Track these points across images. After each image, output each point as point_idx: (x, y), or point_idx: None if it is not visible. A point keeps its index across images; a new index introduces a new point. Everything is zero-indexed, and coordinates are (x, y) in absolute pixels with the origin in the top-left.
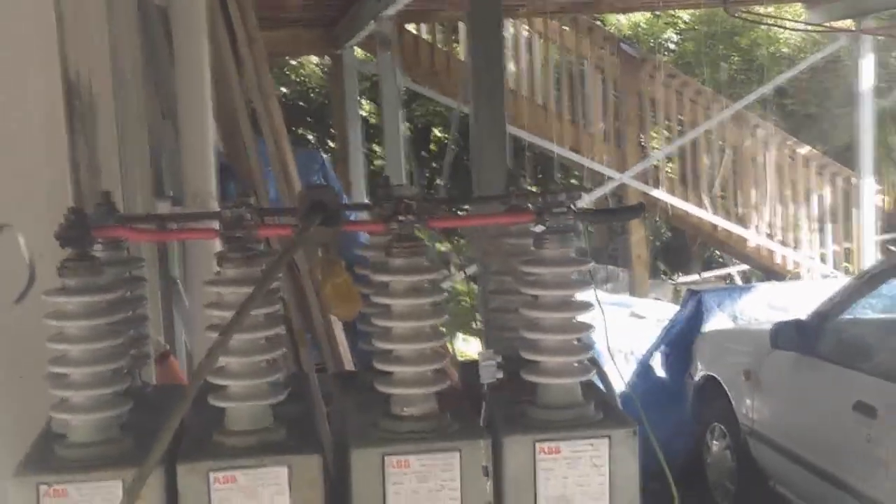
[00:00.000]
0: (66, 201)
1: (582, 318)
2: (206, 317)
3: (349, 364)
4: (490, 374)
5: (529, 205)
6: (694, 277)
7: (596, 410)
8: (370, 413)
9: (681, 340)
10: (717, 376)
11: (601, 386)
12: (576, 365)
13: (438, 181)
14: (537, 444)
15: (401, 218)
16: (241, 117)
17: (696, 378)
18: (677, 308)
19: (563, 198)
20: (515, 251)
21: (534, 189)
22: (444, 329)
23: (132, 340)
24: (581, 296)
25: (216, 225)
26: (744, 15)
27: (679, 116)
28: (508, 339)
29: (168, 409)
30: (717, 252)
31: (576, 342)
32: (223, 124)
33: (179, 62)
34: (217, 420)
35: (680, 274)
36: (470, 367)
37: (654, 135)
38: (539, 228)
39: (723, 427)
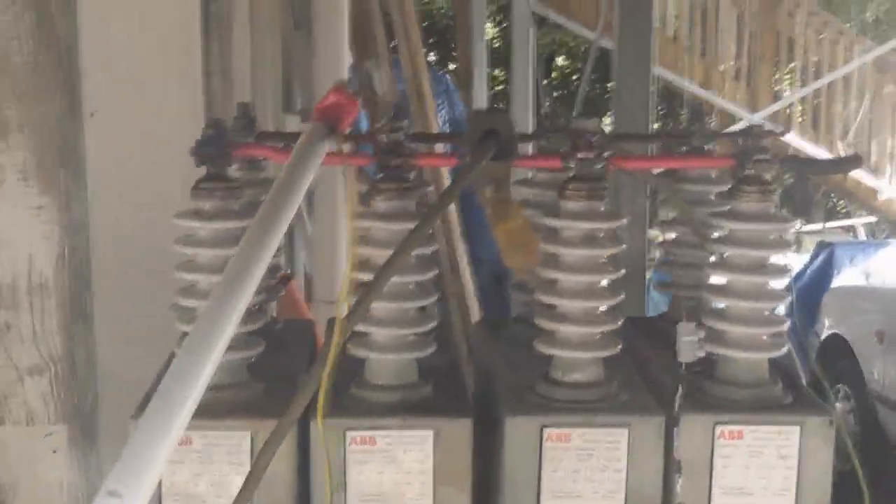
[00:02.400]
0: (198, 112)
1: (777, 285)
2: (335, 266)
3: (475, 315)
4: (691, 351)
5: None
6: (818, 226)
7: (785, 392)
8: (525, 374)
9: (807, 294)
10: (845, 335)
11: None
12: (766, 338)
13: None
14: (717, 427)
15: (581, 155)
16: (377, 31)
17: (823, 336)
18: (799, 257)
19: (764, 142)
20: (694, 198)
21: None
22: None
23: (267, 271)
24: (778, 259)
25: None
26: None
27: (816, 58)
28: (683, 299)
29: (300, 353)
30: (842, 202)
31: (768, 312)
32: (356, 37)
33: None
34: (354, 369)
35: (802, 222)
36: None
37: (788, 76)
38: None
39: (848, 389)
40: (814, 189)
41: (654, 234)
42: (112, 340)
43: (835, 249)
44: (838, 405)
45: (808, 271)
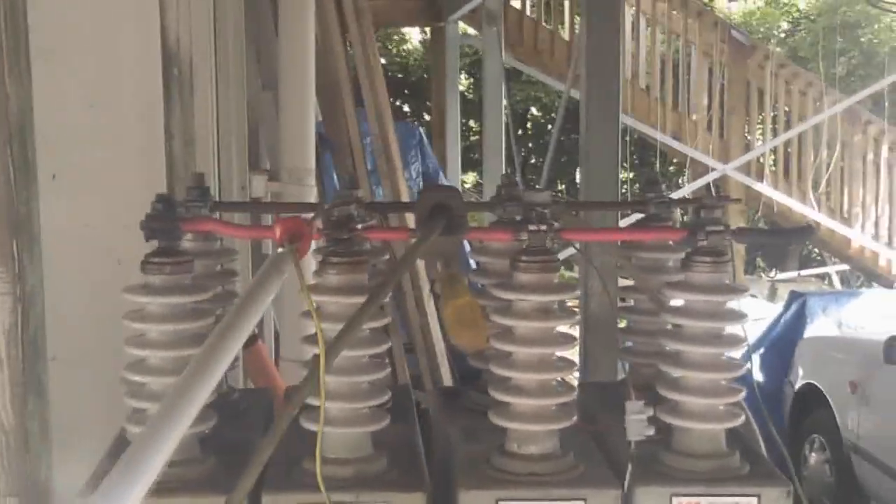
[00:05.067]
0: (160, 177)
1: (733, 354)
2: (302, 326)
3: (447, 379)
4: (639, 429)
5: (677, 221)
6: (792, 275)
7: (742, 462)
8: (480, 445)
9: (781, 344)
10: (819, 385)
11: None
12: (723, 409)
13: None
14: (674, 499)
15: (532, 227)
16: (344, 90)
17: (797, 385)
18: (773, 306)
19: (718, 213)
20: (651, 266)
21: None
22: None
23: None
24: (733, 329)
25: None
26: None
27: (786, 108)
28: (641, 365)
29: (255, 424)
30: (816, 250)
31: (724, 382)
32: (324, 96)
33: (284, 32)
34: (308, 442)
35: (777, 271)
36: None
37: (760, 126)
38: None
39: (823, 439)
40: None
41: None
42: (67, 411)
43: (807, 299)
44: (813, 455)
45: (782, 321)
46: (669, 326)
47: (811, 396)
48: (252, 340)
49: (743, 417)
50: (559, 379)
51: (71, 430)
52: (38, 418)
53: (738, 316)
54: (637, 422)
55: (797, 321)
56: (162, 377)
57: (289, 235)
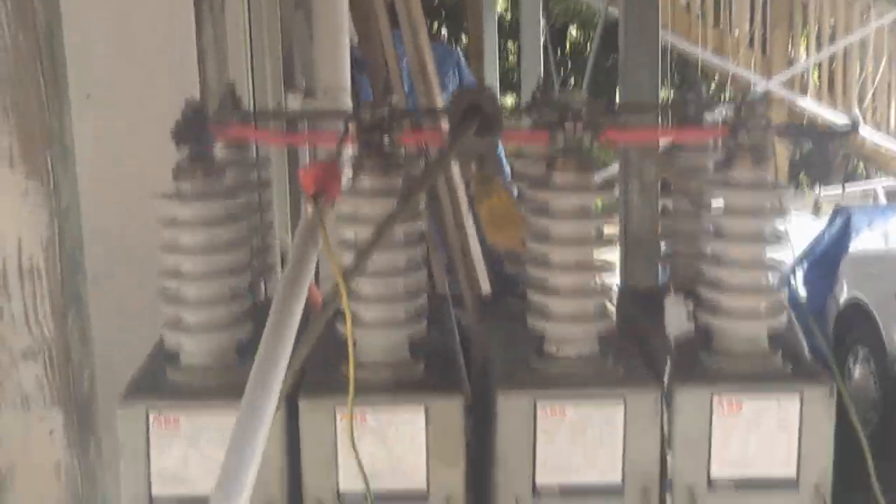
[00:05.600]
0: (192, 93)
1: (774, 252)
2: (337, 231)
3: (486, 287)
4: (678, 323)
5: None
6: (836, 191)
7: (784, 362)
8: (518, 349)
9: (825, 260)
10: (864, 300)
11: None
12: (764, 307)
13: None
14: (714, 399)
15: (568, 127)
16: (380, 11)
17: (842, 301)
18: (817, 221)
19: (760, 109)
20: (691, 168)
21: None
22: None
23: (256, 251)
24: (775, 227)
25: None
26: None
27: (832, 20)
28: (681, 269)
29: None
30: (861, 165)
31: (766, 280)
32: (359, 18)
33: None
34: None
35: (821, 186)
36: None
37: (803, 41)
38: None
39: (868, 354)
40: (833, 153)
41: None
42: (106, 324)
43: (852, 214)
44: (858, 369)
45: (827, 236)
46: (710, 227)
47: (856, 311)
48: None
49: (785, 317)
50: (598, 281)
51: (110, 342)
52: (78, 331)
53: (779, 212)
54: (677, 316)
55: (842, 236)
56: (196, 283)
57: (317, 184)
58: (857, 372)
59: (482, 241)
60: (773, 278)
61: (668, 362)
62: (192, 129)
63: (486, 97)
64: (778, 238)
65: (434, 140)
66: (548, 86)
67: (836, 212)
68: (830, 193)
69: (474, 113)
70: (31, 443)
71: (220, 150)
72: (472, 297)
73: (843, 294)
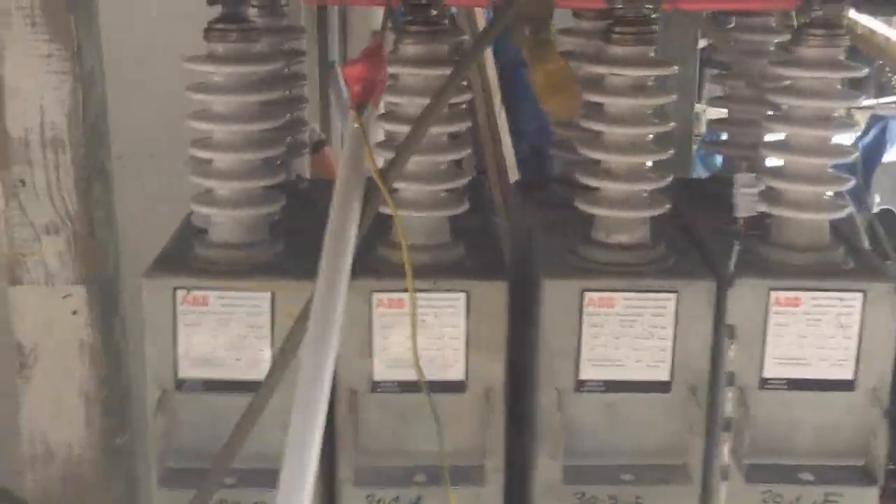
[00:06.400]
0: None
1: (842, 140)
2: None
3: (512, 171)
4: (749, 204)
5: None
6: (871, 102)
7: (846, 257)
8: (564, 235)
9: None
10: None
11: None
12: (828, 198)
13: None
14: (772, 293)
15: None
16: None
17: (874, 211)
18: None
19: None
20: (752, 50)
21: None
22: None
23: (288, 125)
24: (844, 112)
25: None
26: None
27: None
28: (736, 159)
29: (324, 211)
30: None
31: (831, 169)
32: None
33: None
34: (381, 228)
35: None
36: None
37: None
38: None
39: None
40: (866, 64)
41: (701, 108)
42: (131, 200)
43: (888, 123)
44: None
45: (861, 146)
46: (770, 113)
47: (888, 222)
48: (319, 145)
49: (849, 209)
50: (652, 164)
51: (136, 218)
52: (103, 206)
53: (852, 96)
54: (747, 196)
55: (877, 146)
56: (227, 153)
57: (362, 84)
58: None
59: (514, 132)
60: (839, 167)
61: (735, 248)
62: None
63: None
64: (847, 125)
65: (479, 2)
66: None
67: (872, 120)
68: (865, 105)
69: None
70: (54, 320)
71: (253, 14)
72: (506, 184)
73: (876, 204)
